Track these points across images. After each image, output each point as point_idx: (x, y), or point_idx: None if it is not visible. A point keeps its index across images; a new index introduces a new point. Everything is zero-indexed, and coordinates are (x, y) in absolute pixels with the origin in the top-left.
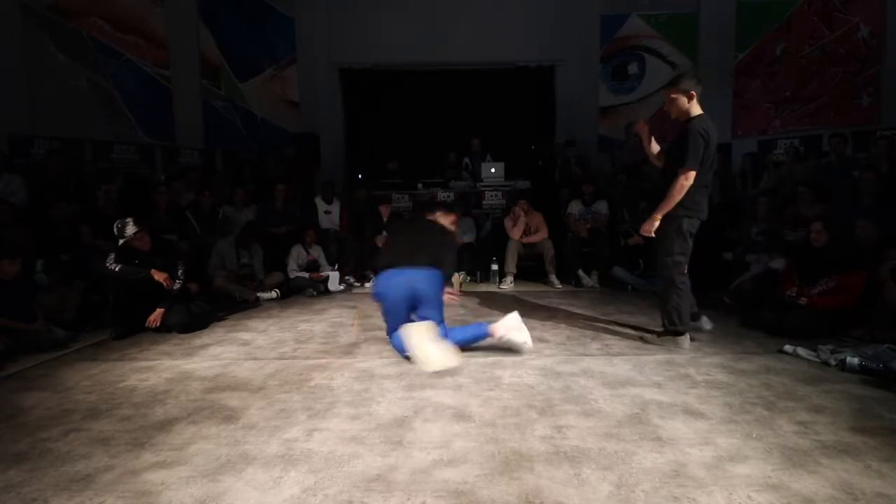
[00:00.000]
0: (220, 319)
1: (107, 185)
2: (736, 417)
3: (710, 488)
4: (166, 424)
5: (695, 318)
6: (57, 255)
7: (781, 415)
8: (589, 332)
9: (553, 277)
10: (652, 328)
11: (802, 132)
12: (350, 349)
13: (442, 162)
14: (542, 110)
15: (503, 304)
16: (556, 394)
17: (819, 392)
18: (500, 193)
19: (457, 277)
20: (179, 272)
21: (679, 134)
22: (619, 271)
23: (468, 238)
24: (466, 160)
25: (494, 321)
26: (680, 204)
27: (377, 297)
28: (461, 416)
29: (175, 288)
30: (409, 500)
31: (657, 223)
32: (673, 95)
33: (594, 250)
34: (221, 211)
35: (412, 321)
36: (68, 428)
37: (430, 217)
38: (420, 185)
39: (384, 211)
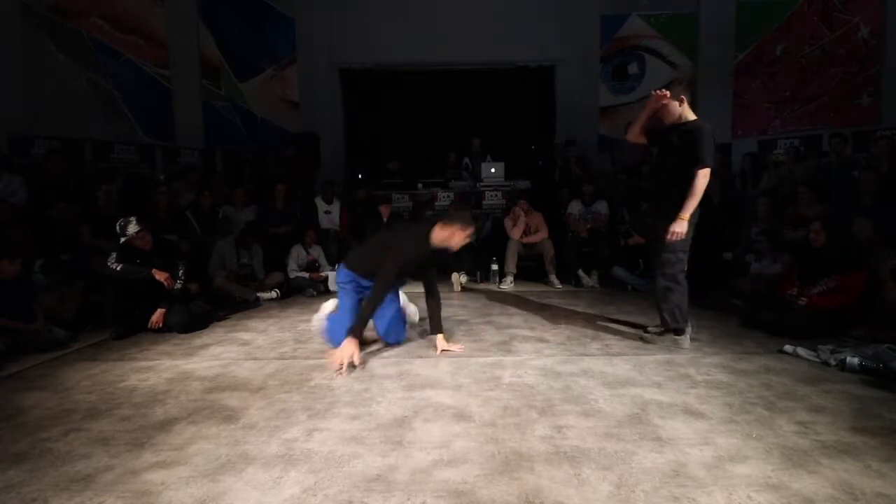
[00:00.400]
0: (220, 319)
1: (107, 185)
2: (736, 417)
3: (710, 488)
4: (166, 424)
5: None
6: (57, 255)
7: (781, 415)
8: (589, 332)
9: (553, 277)
10: (651, 328)
11: (802, 132)
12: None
13: (442, 162)
14: (542, 110)
15: (503, 304)
16: (556, 394)
17: (819, 392)
18: (500, 193)
19: (457, 277)
20: (180, 272)
21: (679, 137)
22: (619, 271)
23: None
24: (466, 160)
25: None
26: (678, 201)
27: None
28: (461, 416)
29: (176, 288)
30: (409, 500)
31: (686, 223)
32: (664, 101)
33: (594, 250)
34: (221, 211)
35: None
36: (68, 428)
37: (427, 227)
38: (420, 185)
39: (384, 211)
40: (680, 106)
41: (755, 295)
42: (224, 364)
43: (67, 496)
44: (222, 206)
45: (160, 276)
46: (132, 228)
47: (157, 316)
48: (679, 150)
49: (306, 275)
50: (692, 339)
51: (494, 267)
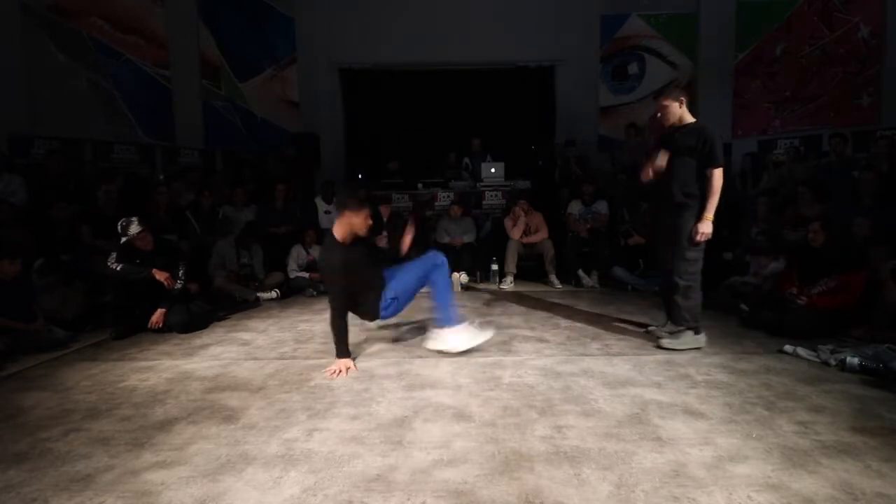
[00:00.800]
0: (220, 319)
1: (107, 185)
2: (736, 417)
3: (710, 488)
4: (166, 424)
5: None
6: (57, 255)
7: (781, 415)
8: (589, 332)
9: (553, 277)
10: (652, 327)
11: (802, 132)
12: (350, 349)
13: (442, 162)
14: (542, 110)
15: (503, 304)
16: (556, 394)
17: (819, 392)
18: (500, 193)
19: (457, 277)
20: (180, 272)
21: (683, 138)
22: (619, 271)
23: (468, 238)
24: (466, 160)
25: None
26: (698, 201)
27: None
28: (461, 416)
29: (176, 288)
30: (409, 500)
31: (710, 223)
32: (665, 103)
33: (594, 250)
34: (221, 211)
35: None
36: (68, 428)
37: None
38: (420, 185)
39: (384, 211)
40: (679, 108)
41: (755, 294)
42: (224, 364)
43: (67, 496)
44: (222, 206)
45: (160, 276)
46: (134, 229)
47: (157, 316)
48: (684, 151)
49: (306, 275)
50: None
51: (494, 267)
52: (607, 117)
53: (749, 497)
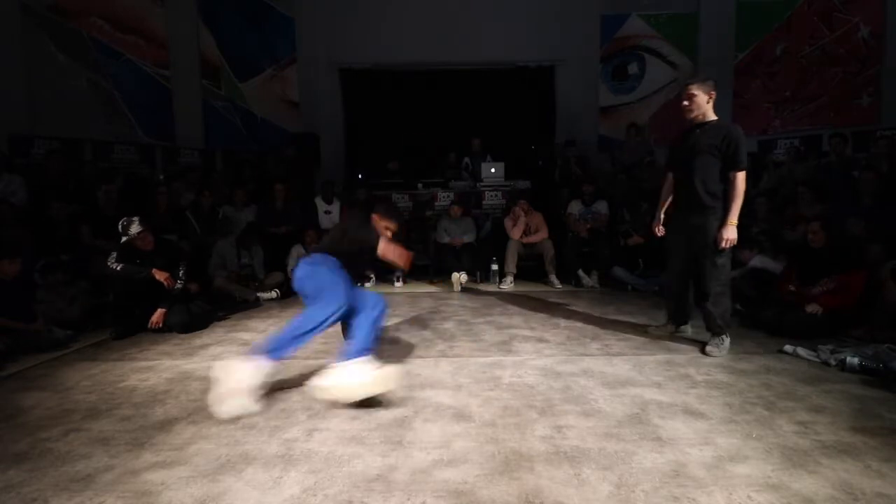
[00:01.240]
0: (220, 319)
1: (107, 185)
2: (736, 417)
3: (710, 488)
4: (166, 424)
5: (683, 321)
6: (57, 255)
7: (781, 415)
8: (589, 332)
9: (553, 277)
10: (652, 328)
11: (802, 132)
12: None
13: (442, 162)
14: (542, 110)
15: (503, 304)
16: (556, 394)
17: (819, 392)
18: (500, 193)
19: (457, 277)
20: (180, 272)
21: (708, 136)
22: (619, 271)
23: (468, 238)
24: (466, 160)
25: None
26: (722, 203)
27: None
28: (461, 416)
29: (176, 288)
30: (409, 500)
31: (734, 228)
32: (693, 91)
33: (594, 250)
34: (221, 211)
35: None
36: (68, 428)
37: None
38: (420, 185)
39: None
40: (707, 102)
41: (754, 293)
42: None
43: (67, 496)
44: (222, 206)
45: (160, 276)
46: (134, 228)
47: (157, 316)
48: (706, 149)
49: None
50: (693, 339)
51: (494, 267)
52: (607, 117)
53: (749, 497)
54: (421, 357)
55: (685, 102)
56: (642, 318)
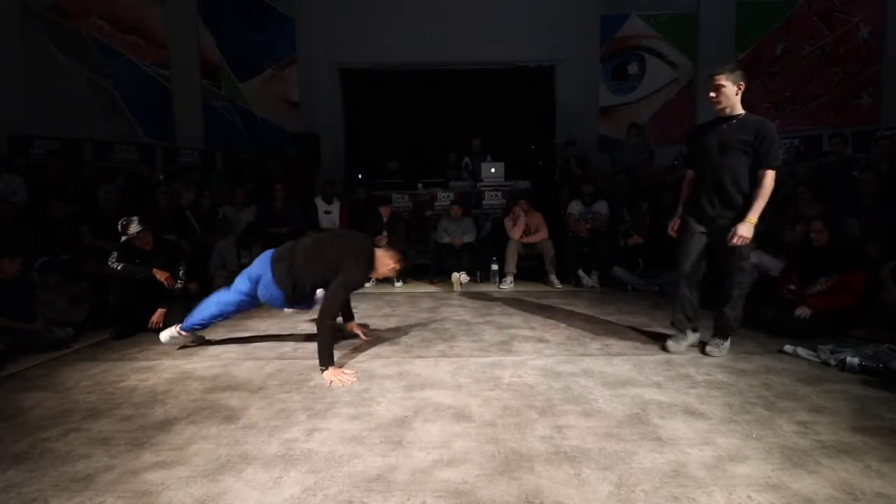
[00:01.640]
0: None
1: (107, 185)
2: (736, 417)
3: (710, 488)
4: (166, 424)
5: (695, 327)
6: (57, 255)
7: (781, 415)
8: (589, 332)
9: (553, 277)
10: (650, 328)
11: (802, 132)
12: (350, 349)
13: (442, 162)
14: (542, 110)
15: (503, 304)
16: (556, 394)
17: (819, 392)
18: (500, 193)
19: (457, 277)
20: (181, 272)
21: (740, 130)
22: (619, 271)
23: (468, 238)
24: (466, 160)
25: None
26: (744, 202)
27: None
28: (461, 416)
29: (176, 288)
30: (409, 500)
31: (752, 227)
32: (721, 81)
33: (594, 250)
34: (221, 211)
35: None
36: (68, 428)
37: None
38: (420, 185)
39: (384, 211)
40: (736, 94)
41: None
42: (224, 364)
43: (67, 496)
44: (222, 206)
45: (160, 275)
46: (134, 228)
47: (158, 316)
48: (736, 144)
49: None
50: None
51: (494, 267)
52: (607, 117)
53: (749, 497)
54: (421, 357)
55: (712, 94)
56: (642, 318)
